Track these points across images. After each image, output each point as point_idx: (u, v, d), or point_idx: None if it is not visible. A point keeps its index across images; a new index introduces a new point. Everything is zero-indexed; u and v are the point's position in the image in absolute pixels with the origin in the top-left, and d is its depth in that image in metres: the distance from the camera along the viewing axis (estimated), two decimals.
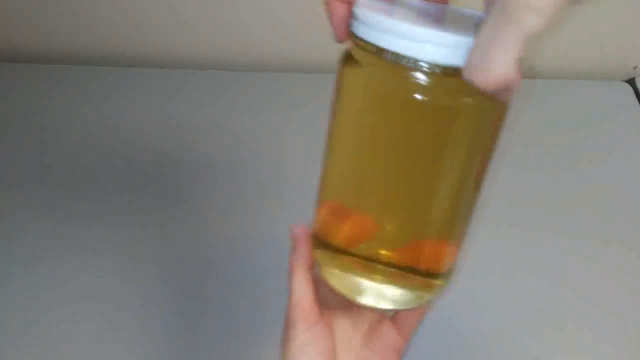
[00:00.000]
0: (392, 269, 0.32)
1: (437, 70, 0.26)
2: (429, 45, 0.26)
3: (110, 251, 0.54)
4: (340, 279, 0.33)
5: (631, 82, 0.70)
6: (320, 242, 0.34)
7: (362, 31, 0.28)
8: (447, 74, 0.26)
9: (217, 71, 0.71)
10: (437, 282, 0.33)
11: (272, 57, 0.71)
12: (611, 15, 0.66)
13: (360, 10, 0.28)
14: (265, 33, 0.69)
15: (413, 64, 0.26)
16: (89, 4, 0.69)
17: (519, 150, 0.62)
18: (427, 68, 0.26)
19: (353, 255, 0.32)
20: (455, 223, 0.32)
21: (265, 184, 0.59)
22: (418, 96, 0.27)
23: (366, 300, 0.32)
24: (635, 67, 0.70)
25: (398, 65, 0.27)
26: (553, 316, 0.50)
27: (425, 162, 0.30)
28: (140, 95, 0.68)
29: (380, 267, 0.32)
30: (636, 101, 0.68)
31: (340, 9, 0.29)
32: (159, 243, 0.55)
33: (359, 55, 0.29)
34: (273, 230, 0.54)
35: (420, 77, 0.27)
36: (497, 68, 0.24)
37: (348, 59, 0.30)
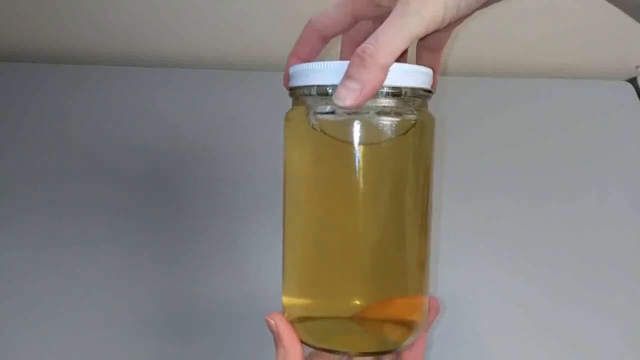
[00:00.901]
0: (371, 320, 0.33)
1: None
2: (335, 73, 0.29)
3: (107, 247, 0.54)
4: (317, 336, 0.34)
5: (633, 81, 0.70)
6: (294, 315, 0.34)
7: (290, 83, 0.33)
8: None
9: (216, 70, 0.70)
10: (413, 327, 0.34)
11: (269, 56, 0.71)
12: (613, 14, 0.66)
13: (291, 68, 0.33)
14: (262, 31, 0.69)
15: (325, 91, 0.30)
16: (87, 3, 0.69)
17: (520, 150, 0.62)
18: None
19: (329, 316, 0.34)
20: (422, 260, 0.34)
21: (261, 182, 0.59)
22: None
23: (349, 348, 0.33)
24: (637, 67, 0.70)
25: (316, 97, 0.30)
26: (554, 319, 0.50)
27: (375, 198, 0.32)
28: (139, 94, 0.68)
29: (358, 319, 0.33)
30: (638, 100, 0.67)
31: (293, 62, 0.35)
32: (155, 240, 0.55)
33: (294, 105, 0.33)
34: (269, 228, 0.54)
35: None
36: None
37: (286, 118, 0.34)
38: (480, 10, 0.34)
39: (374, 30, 0.30)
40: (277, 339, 0.33)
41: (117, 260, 0.54)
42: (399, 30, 0.28)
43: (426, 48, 0.36)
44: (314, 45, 0.36)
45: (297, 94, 0.32)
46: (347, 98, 0.28)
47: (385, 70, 0.29)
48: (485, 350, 0.49)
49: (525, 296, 0.51)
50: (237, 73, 0.70)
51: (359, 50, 0.28)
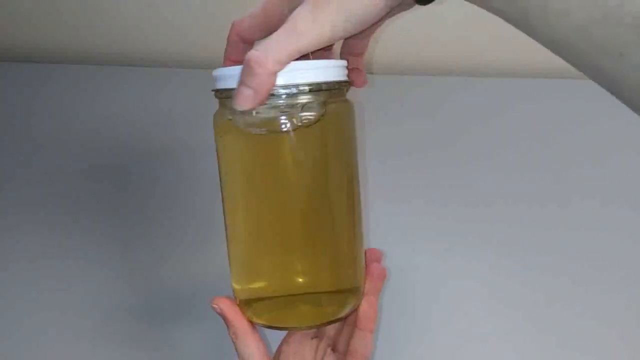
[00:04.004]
0: (308, 295, 0.36)
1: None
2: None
3: (106, 244, 0.54)
4: (265, 316, 0.36)
5: None
6: (243, 297, 0.37)
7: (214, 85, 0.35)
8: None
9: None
10: (351, 295, 0.37)
11: None
12: None
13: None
14: None
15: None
16: (87, 3, 0.69)
17: (519, 150, 0.62)
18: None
19: (273, 296, 0.37)
20: (350, 234, 0.37)
21: None
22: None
23: (295, 323, 0.36)
24: None
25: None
26: (554, 317, 0.50)
27: (300, 183, 0.34)
28: (139, 94, 0.68)
29: (298, 295, 0.36)
30: None
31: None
32: (156, 237, 0.55)
33: (220, 106, 0.36)
34: None
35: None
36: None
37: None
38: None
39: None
40: (225, 321, 0.36)
41: (114, 256, 0.54)
42: (286, 45, 0.30)
43: (349, 53, 0.39)
44: (242, 48, 0.37)
45: (220, 96, 0.35)
46: (244, 104, 0.31)
47: (274, 75, 0.31)
48: (482, 353, 0.49)
49: (523, 298, 0.51)
50: None
51: (247, 58, 0.31)
